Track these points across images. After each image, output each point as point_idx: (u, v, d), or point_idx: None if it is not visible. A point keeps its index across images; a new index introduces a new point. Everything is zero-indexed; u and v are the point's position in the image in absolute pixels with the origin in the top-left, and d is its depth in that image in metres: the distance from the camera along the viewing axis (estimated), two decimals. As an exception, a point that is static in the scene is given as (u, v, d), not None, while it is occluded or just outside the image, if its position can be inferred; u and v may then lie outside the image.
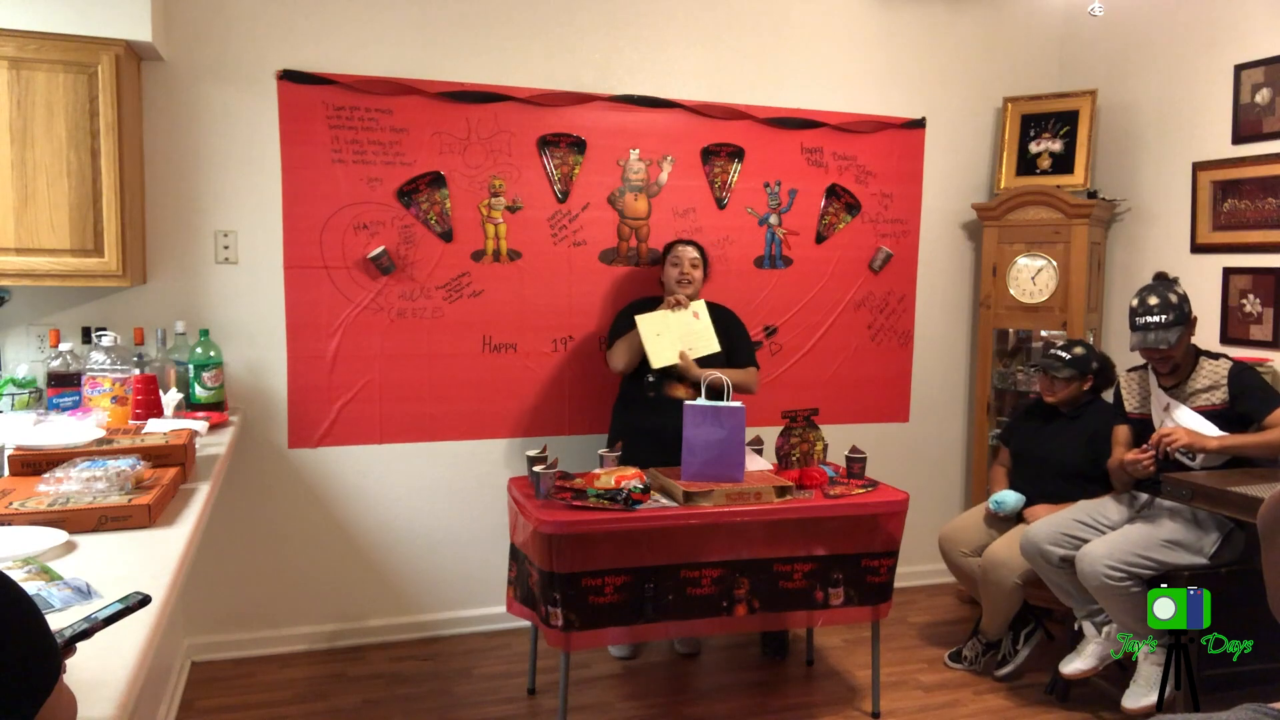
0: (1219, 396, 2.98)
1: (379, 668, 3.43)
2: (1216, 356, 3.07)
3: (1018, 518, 3.42)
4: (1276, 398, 2.96)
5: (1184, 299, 2.99)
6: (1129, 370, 3.29)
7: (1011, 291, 4.07)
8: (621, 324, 3.49)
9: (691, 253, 3.48)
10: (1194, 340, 3.09)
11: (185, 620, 3.40)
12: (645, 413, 3.39)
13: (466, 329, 3.61)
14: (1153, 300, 2.98)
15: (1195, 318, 3.03)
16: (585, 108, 3.67)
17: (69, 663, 1.15)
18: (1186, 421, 2.98)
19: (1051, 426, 3.49)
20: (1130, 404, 3.23)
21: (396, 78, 3.43)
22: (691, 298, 3.44)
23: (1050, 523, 3.15)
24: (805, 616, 3.06)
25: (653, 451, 3.15)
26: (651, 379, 3.38)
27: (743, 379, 3.37)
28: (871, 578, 3.01)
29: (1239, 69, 3.53)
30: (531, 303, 3.68)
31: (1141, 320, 2.99)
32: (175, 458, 2.27)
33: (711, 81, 3.83)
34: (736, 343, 3.51)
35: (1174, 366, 3.03)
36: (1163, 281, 3.07)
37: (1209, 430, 2.93)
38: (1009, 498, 3.42)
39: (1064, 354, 3.40)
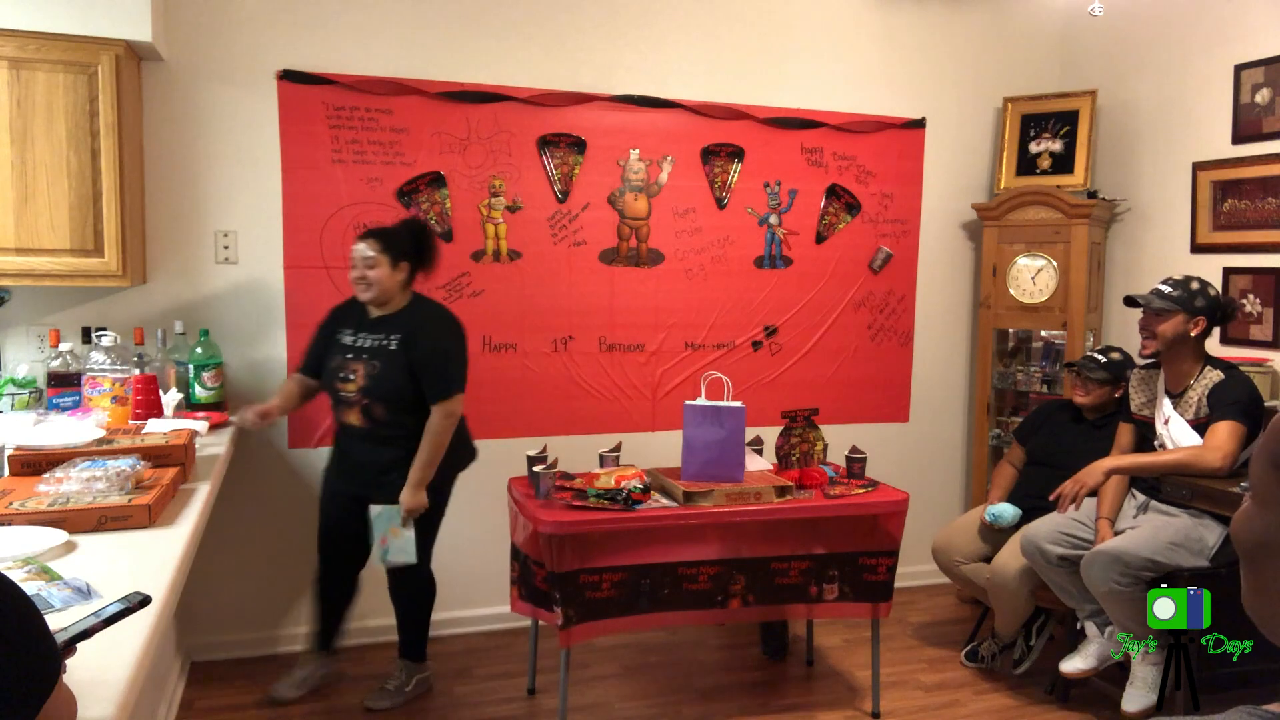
0: (1204, 412, 2.94)
1: (379, 668, 3.42)
2: (1220, 365, 2.99)
3: (1014, 529, 3.39)
4: (1230, 413, 2.84)
5: (1202, 294, 2.93)
6: (1140, 368, 3.26)
7: (1011, 291, 4.07)
8: (317, 344, 3.05)
9: (364, 250, 2.84)
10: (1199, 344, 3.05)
11: (185, 620, 3.40)
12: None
13: (466, 329, 3.60)
14: (1177, 276, 3.00)
15: (1203, 320, 2.92)
16: (585, 108, 3.67)
17: (69, 663, 1.14)
18: (1180, 438, 2.95)
19: (1076, 432, 3.44)
20: (1136, 402, 3.18)
21: (396, 78, 3.43)
22: (376, 301, 2.89)
23: (1050, 521, 3.14)
24: (804, 609, 3.06)
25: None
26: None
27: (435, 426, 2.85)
28: (870, 576, 3.01)
29: (1239, 69, 3.52)
30: (531, 303, 3.68)
31: (1154, 287, 2.99)
32: (175, 458, 2.28)
33: (711, 81, 3.82)
34: (424, 366, 2.87)
35: (1158, 351, 2.97)
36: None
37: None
38: (1006, 511, 3.39)
39: (1100, 357, 3.41)
